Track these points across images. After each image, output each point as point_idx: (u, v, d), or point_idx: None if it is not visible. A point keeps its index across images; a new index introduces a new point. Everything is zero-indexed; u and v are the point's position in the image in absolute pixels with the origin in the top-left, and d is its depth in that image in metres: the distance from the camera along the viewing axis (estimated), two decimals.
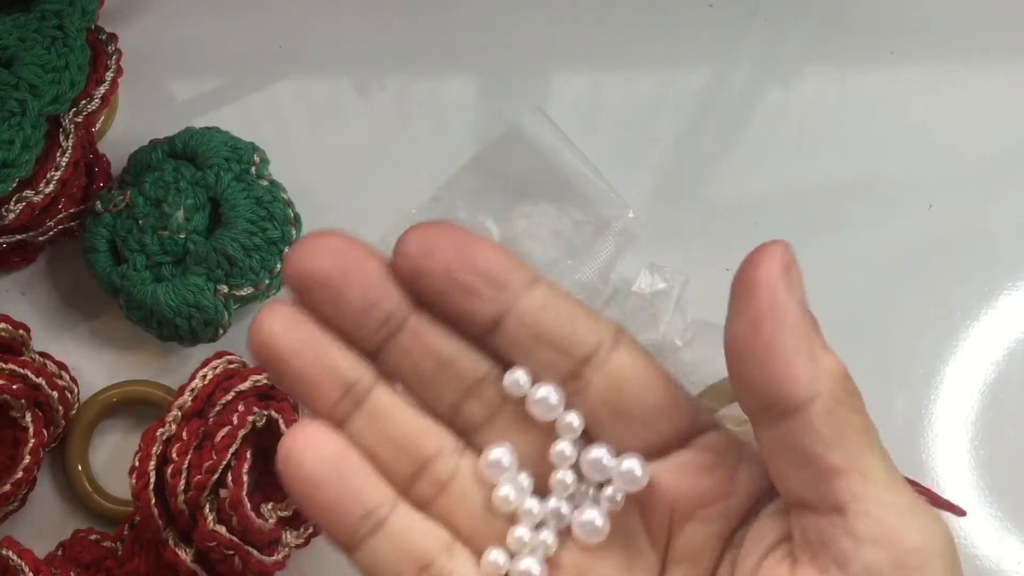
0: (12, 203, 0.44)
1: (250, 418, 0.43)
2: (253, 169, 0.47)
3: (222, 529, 0.42)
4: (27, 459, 0.44)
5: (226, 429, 0.42)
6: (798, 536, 0.27)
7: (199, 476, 0.42)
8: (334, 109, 0.52)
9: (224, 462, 0.42)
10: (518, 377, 0.28)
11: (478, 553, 0.29)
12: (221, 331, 0.46)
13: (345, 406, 0.28)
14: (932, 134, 0.51)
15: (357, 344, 0.28)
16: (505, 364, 0.28)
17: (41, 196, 0.45)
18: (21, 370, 0.44)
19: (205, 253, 0.45)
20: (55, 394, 0.45)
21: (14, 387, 0.43)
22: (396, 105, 0.52)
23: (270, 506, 0.43)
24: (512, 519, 0.29)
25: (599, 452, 0.28)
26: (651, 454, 0.28)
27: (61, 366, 0.47)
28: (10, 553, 0.42)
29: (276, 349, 0.27)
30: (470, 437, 0.29)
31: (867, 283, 0.49)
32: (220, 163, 0.46)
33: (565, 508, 0.29)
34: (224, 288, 0.45)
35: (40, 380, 0.44)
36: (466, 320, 0.27)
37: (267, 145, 0.48)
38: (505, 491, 0.28)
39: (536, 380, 0.28)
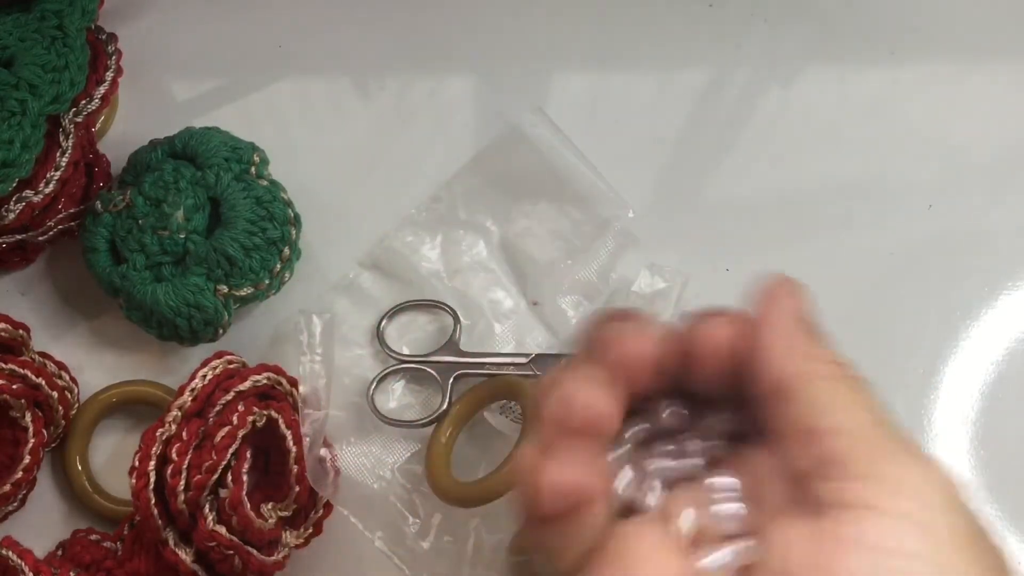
0: (12, 203, 0.44)
1: (250, 418, 0.43)
2: (253, 169, 0.47)
3: (222, 529, 0.42)
4: (27, 459, 0.44)
5: (226, 429, 0.42)
6: None
7: (199, 476, 0.42)
8: (334, 109, 0.52)
9: (224, 462, 0.42)
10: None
11: None
12: (221, 331, 0.46)
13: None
14: (932, 134, 0.51)
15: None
16: None
17: (41, 196, 0.45)
18: (21, 370, 0.44)
19: (205, 253, 0.45)
20: (55, 394, 0.45)
21: (14, 387, 0.43)
22: (396, 105, 0.52)
23: (270, 506, 0.43)
24: None
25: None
26: None
27: (61, 366, 0.47)
28: (10, 553, 0.42)
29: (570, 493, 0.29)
30: None
31: (867, 283, 0.49)
32: (220, 163, 0.46)
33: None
34: (224, 288, 0.45)
35: (40, 380, 0.44)
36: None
37: (267, 145, 0.48)
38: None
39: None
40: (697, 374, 0.31)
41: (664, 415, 0.31)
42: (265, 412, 0.43)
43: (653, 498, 0.30)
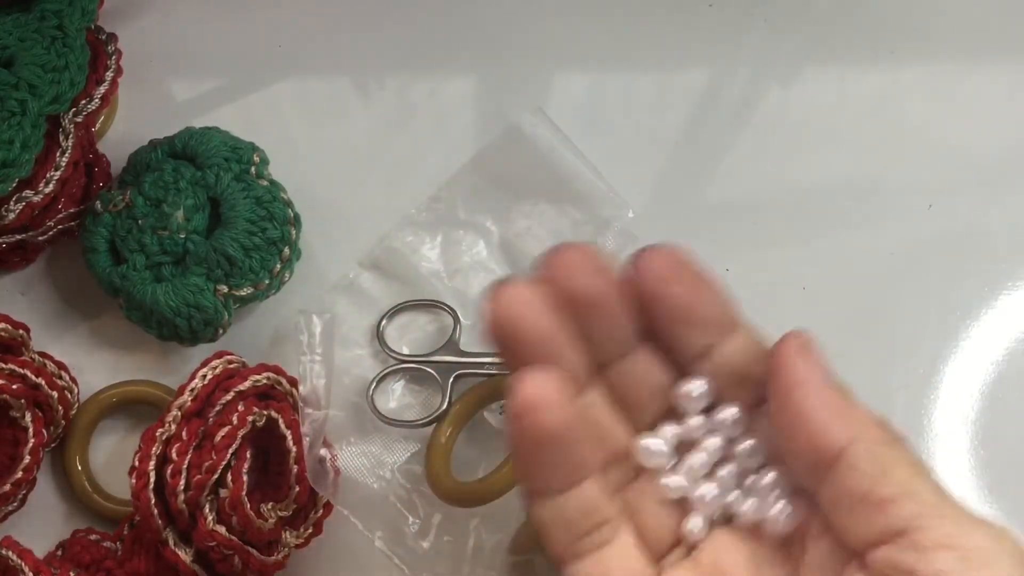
0: (12, 203, 0.44)
1: (250, 418, 0.43)
2: (253, 169, 0.47)
3: (222, 529, 0.42)
4: (27, 459, 0.44)
5: (226, 429, 0.42)
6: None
7: (199, 476, 0.42)
8: (334, 109, 0.52)
9: (224, 462, 0.42)
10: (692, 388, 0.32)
11: (644, 540, 0.32)
12: (221, 331, 0.46)
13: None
14: (932, 134, 0.51)
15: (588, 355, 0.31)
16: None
17: (41, 196, 0.45)
18: (21, 370, 0.44)
19: (205, 253, 0.45)
20: (55, 394, 0.45)
21: (14, 387, 0.43)
22: (396, 105, 0.52)
23: (270, 506, 0.43)
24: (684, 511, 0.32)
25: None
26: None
27: (61, 366, 0.47)
28: (10, 553, 0.42)
29: (521, 328, 0.29)
30: None
31: (867, 283, 0.49)
32: (220, 163, 0.46)
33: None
34: (224, 288, 0.45)
35: (40, 380, 0.44)
36: (678, 349, 0.31)
37: (267, 145, 0.48)
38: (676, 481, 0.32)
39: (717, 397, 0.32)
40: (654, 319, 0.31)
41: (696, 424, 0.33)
42: (265, 412, 0.43)
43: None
